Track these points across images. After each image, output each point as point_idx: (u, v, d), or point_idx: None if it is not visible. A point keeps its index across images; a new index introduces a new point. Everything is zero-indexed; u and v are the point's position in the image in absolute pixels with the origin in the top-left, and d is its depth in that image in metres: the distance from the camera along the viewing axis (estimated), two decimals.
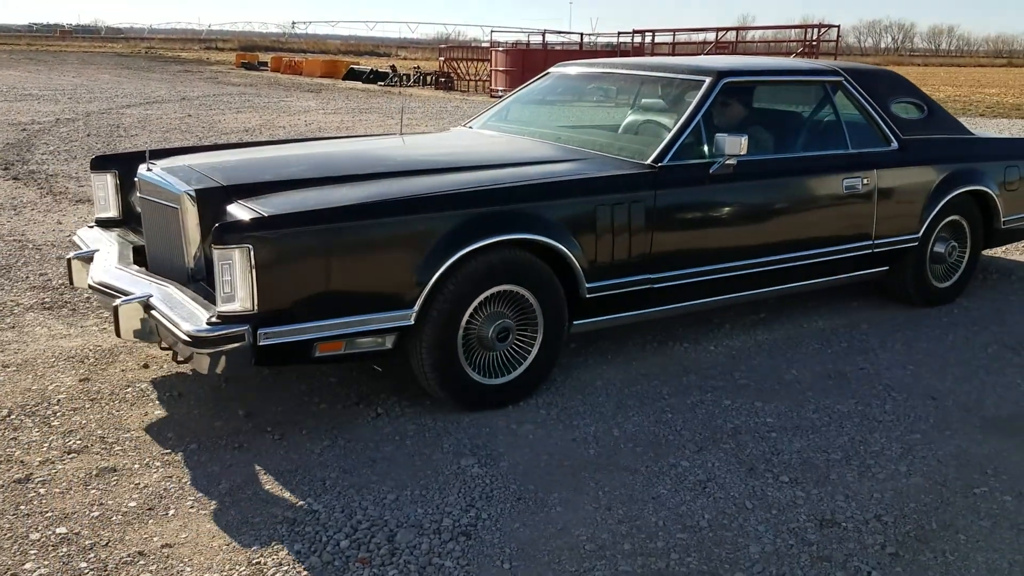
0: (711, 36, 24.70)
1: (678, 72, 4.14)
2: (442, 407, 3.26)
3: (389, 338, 2.96)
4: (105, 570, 2.23)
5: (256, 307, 2.71)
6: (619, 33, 27.77)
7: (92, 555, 2.29)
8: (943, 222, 4.56)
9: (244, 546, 2.36)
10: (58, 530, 2.40)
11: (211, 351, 2.69)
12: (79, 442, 2.91)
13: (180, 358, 3.03)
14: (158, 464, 2.80)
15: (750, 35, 26.95)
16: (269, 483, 2.70)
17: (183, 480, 2.70)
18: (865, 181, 4.17)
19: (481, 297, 3.11)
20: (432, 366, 3.07)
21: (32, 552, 2.29)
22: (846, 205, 4.13)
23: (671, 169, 3.59)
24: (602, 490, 2.74)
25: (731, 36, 24.51)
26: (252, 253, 2.67)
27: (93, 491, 2.62)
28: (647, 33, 25.70)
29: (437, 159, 3.75)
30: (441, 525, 2.50)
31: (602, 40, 40.69)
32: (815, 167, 4.07)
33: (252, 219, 2.75)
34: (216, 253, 2.69)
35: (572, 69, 4.79)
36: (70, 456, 2.82)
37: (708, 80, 3.90)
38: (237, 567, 2.27)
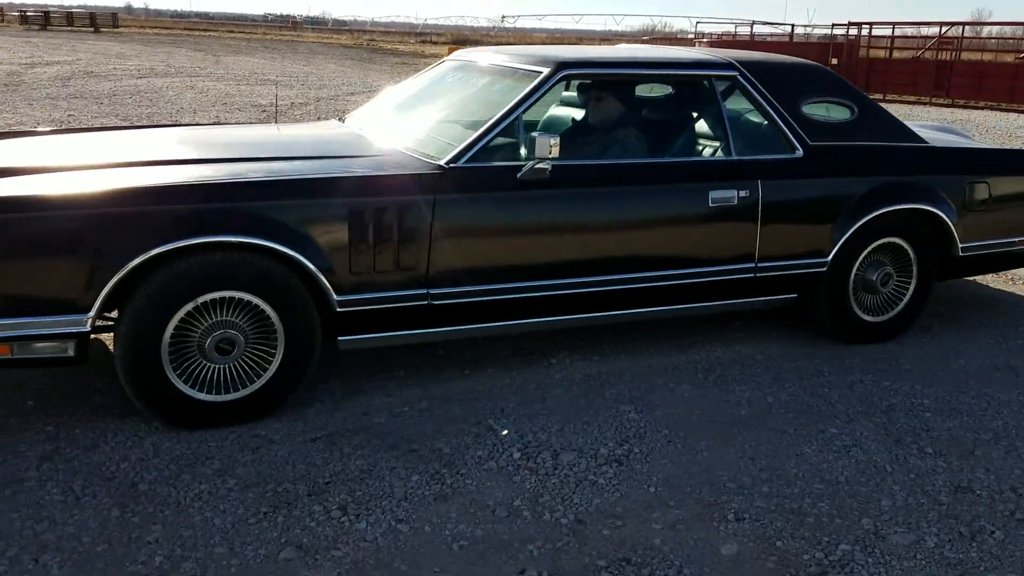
0: (936, 31, 23.15)
1: (519, 61, 3.64)
2: (610, 360, 3.63)
3: (70, 345, 2.70)
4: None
5: None
6: (833, 25, 26.63)
7: None
8: (872, 245, 3.83)
9: (440, 453, 2.86)
10: None
11: None
12: None
13: None
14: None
15: (985, 31, 24.92)
16: (458, 404, 3.19)
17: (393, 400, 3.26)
18: (743, 194, 3.53)
19: (192, 304, 2.78)
20: (131, 380, 2.79)
21: None
22: (714, 221, 3.52)
23: (463, 171, 3.15)
24: (748, 444, 3.00)
25: (958, 31, 22.85)
26: None
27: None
28: (863, 26, 24.48)
29: (210, 150, 3.42)
30: (598, 453, 2.88)
31: (817, 31, 38.99)
32: (666, 176, 3.51)
33: None
34: None
35: (462, 56, 4.25)
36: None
37: (544, 72, 3.41)
38: (440, 458, 2.77)
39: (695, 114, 3.95)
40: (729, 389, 3.45)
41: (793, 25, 32.38)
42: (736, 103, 3.86)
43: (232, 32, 54.46)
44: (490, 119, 3.29)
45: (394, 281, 3.06)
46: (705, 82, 3.75)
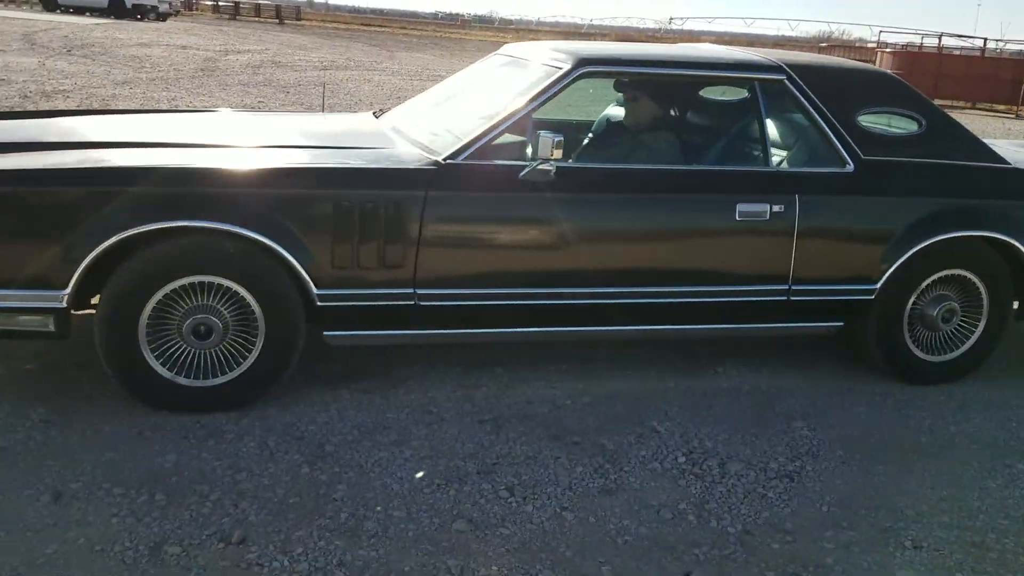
0: None
1: (545, 57, 3.42)
2: (780, 375, 3.54)
3: (50, 320, 2.72)
4: None
5: None
6: None
7: None
8: (934, 276, 3.41)
9: (603, 448, 2.89)
10: None
11: None
12: None
13: None
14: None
15: None
16: (620, 403, 3.21)
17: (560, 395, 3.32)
18: (777, 208, 3.21)
19: (169, 287, 2.75)
20: (109, 357, 2.79)
21: None
22: (741, 236, 3.23)
23: (459, 168, 3.00)
24: (928, 472, 2.85)
25: None
26: None
27: None
28: None
29: (217, 136, 3.39)
30: (767, 466, 2.82)
31: (1011, 47, 36.15)
32: (684, 185, 3.27)
33: None
34: None
35: (506, 50, 3.96)
36: None
37: (563, 68, 3.20)
38: (603, 453, 2.80)
39: (733, 119, 3.67)
40: (908, 415, 3.29)
41: (985, 39, 30.19)
42: (782, 109, 3.59)
43: (404, 28, 56.50)
44: (497, 115, 3.13)
45: (379, 279, 2.93)
46: (747, 85, 3.46)
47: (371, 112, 4.13)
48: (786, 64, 3.44)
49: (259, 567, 2.15)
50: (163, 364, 2.82)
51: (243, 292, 2.82)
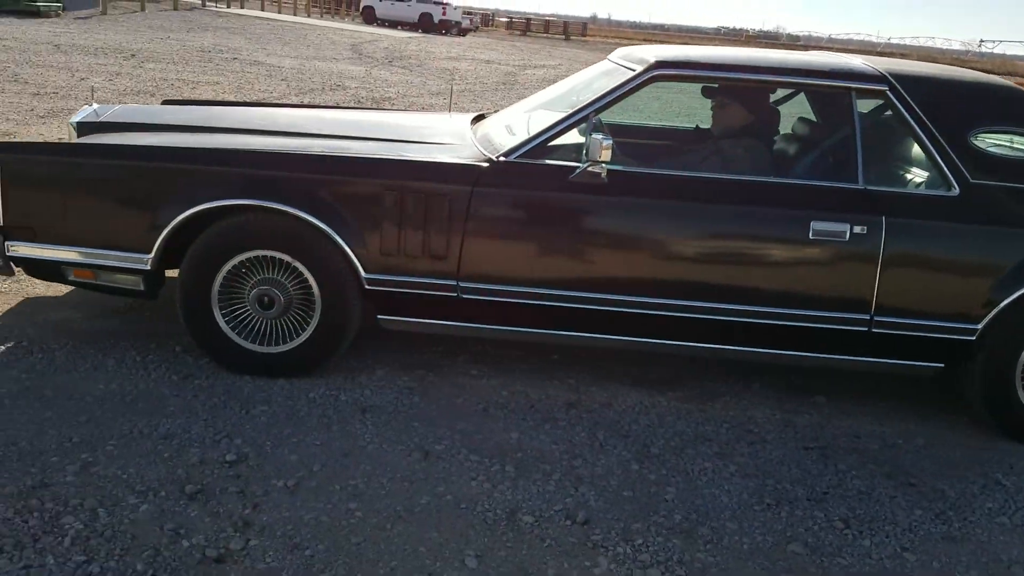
0: None
1: (627, 58, 3.34)
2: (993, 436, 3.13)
3: (140, 280, 3.05)
4: None
5: (2, 220, 3.03)
6: None
7: None
8: None
9: (943, 493, 2.74)
10: None
11: None
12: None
13: None
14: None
15: None
16: (958, 449, 3.01)
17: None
18: (859, 229, 2.93)
19: (241, 257, 3.00)
20: (186, 315, 3.07)
21: None
22: (813, 256, 2.97)
23: (509, 167, 3.00)
24: None
25: None
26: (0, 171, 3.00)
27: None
28: None
29: (319, 126, 3.57)
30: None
31: None
32: (747, 196, 3.01)
33: (5, 141, 3.09)
34: None
35: (616, 54, 3.67)
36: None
37: (636, 70, 3.11)
38: (944, 499, 2.66)
39: (825, 131, 3.43)
40: None
41: None
42: (881, 123, 3.32)
43: (687, 44, 56.04)
44: (559, 115, 3.10)
45: (423, 268, 3.01)
46: (844, 95, 3.14)
47: (476, 113, 4.17)
48: (891, 74, 3.14)
49: (604, 549, 2.30)
50: (231, 327, 3.09)
51: (303, 269, 3.02)
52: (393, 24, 34.82)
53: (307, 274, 3.02)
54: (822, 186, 3.07)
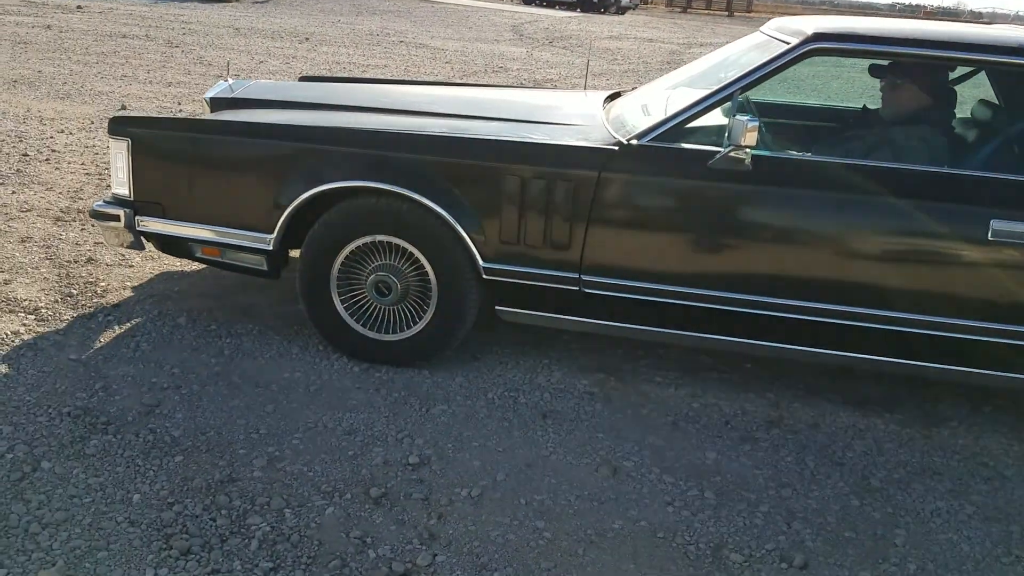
0: None
1: (781, 30, 2.94)
2: None
3: (263, 260, 3.00)
4: None
5: (132, 195, 3.03)
6: None
7: None
8: None
9: None
10: None
11: (99, 224, 3.13)
12: None
13: None
14: None
15: None
16: None
17: None
18: None
19: (359, 242, 2.90)
20: (305, 298, 3.02)
21: None
22: (991, 259, 2.57)
23: (641, 151, 2.73)
24: None
25: None
26: (130, 145, 2.97)
27: None
28: None
29: (448, 106, 3.40)
30: None
31: None
32: (914, 189, 2.61)
33: (136, 116, 3.03)
34: (109, 141, 3.05)
35: (769, 25, 3.23)
36: None
37: (790, 43, 2.73)
38: None
39: (1009, 117, 3.04)
40: None
41: None
42: None
43: (844, 12, 52.80)
44: (700, 94, 2.76)
45: (544, 258, 2.80)
46: None
47: (608, 92, 3.82)
48: None
49: None
50: (349, 312, 3.00)
51: (420, 256, 2.88)
52: (551, 4, 34.59)
53: (423, 261, 2.89)
54: (1004, 179, 2.66)
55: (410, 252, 2.90)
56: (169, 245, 3.18)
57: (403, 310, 3.00)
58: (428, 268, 2.90)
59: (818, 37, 2.73)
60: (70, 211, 4.41)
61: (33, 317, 3.20)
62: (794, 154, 2.82)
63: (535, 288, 2.85)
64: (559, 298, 2.86)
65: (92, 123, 6.51)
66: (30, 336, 3.05)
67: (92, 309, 3.32)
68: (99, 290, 3.50)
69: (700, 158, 2.69)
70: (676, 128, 2.75)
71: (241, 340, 3.17)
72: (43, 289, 3.46)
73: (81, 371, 2.85)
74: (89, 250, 3.91)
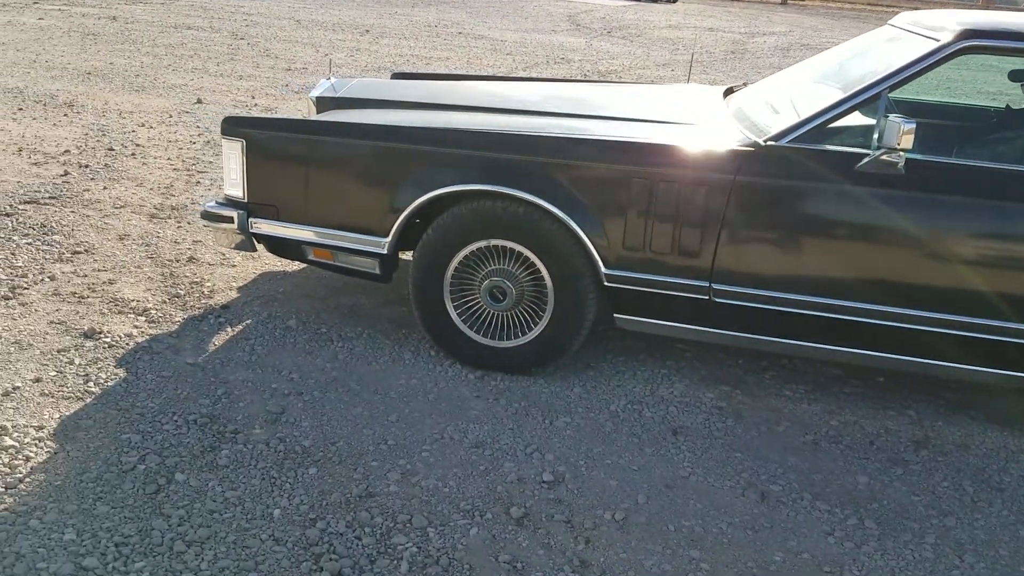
0: None
1: (923, 27, 2.77)
2: None
3: (376, 263, 2.94)
4: None
5: (246, 196, 3.00)
6: None
7: None
8: None
9: None
10: None
11: (211, 226, 3.10)
12: None
13: None
14: None
15: None
16: None
17: None
18: None
19: (473, 246, 2.82)
20: (417, 303, 2.96)
21: None
22: None
23: (781, 152, 2.58)
24: None
25: None
26: (244, 146, 2.95)
27: None
28: None
29: (557, 104, 3.30)
30: None
31: None
32: None
33: (251, 116, 3.00)
34: (223, 141, 3.00)
35: (899, 18, 3.09)
36: None
37: (939, 41, 2.56)
38: None
39: None
40: None
41: None
42: None
43: (918, 8, 51.61)
44: (842, 93, 2.61)
45: (672, 265, 2.67)
46: None
47: (724, 87, 3.68)
48: None
49: None
50: (462, 318, 2.93)
51: (536, 261, 2.78)
52: None
53: (540, 266, 2.79)
54: None
55: (526, 257, 2.80)
56: (281, 247, 3.12)
57: (517, 316, 2.91)
58: (545, 273, 2.80)
59: (971, 34, 2.55)
60: (163, 208, 4.39)
61: (144, 319, 3.17)
62: (951, 158, 2.63)
63: (659, 296, 2.73)
64: (686, 307, 2.73)
65: (170, 116, 6.52)
66: (144, 339, 3.02)
67: (201, 310, 3.28)
68: (206, 291, 3.45)
69: (847, 161, 2.54)
70: (818, 129, 2.59)
71: (353, 344, 3.10)
72: (149, 289, 3.43)
73: (200, 376, 2.80)
74: (189, 248, 3.88)
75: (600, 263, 2.71)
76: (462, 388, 2.85)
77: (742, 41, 16.82)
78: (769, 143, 2.61)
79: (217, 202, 3.12)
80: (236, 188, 3.05)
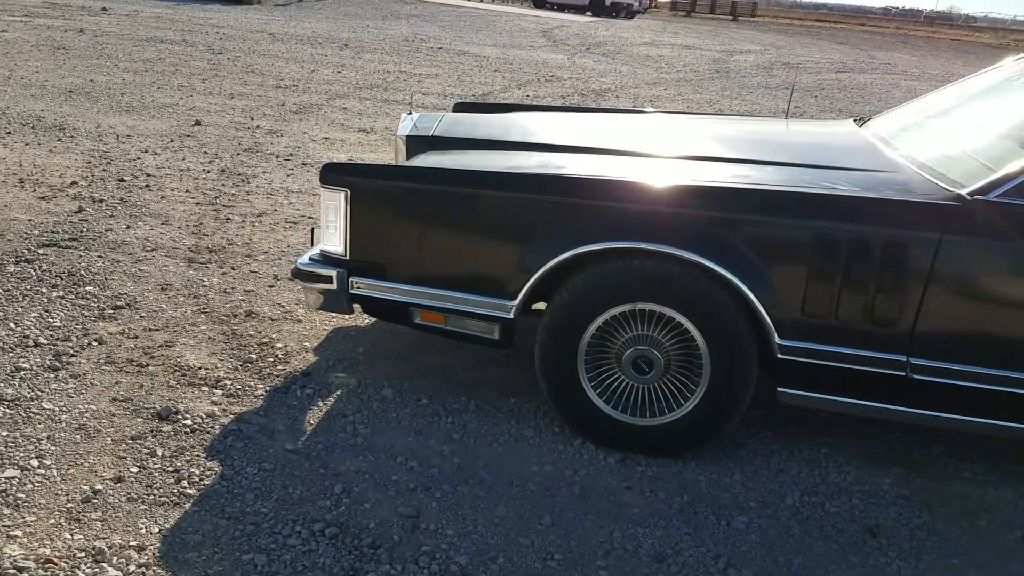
0: None
1: None
2: None
3: (495, 328, 2.57)
4: None
5: (348, 253, 2.63)
6: None
7: None
8: None
9: None
10: None
11: (305, 286, 2.72)
12: None
13: None
14: None
15: None
16: None
17: None
18: None
19: (616, 310, 2.46)
20: (545, 374, 2.58)
21: None
22: None
23: (992, 208, 2.24)
24: None
25: None
26: (348, 197, 2.58)
27: None
28: None
29: (680, 143, 3.04)
30: None
31: None
32: None
33: (356, 163, 2.67)
34: (321, 191, 2.64)
35: None
36: None
37: None
38: None
39: None
40: None
41: None
42: None
43: (863, 25, 52.91)
44: None
45: (861, 336, 2.33)
46: None
47: (851, 120, 3.42)
48: None
49: None
50: (597, 391, 2.57)
51: (691, 327, 2.44)
52: (561, 7, 34.16)
53: (696, 333, 2.44)
54: None
55: (676, 322, 2.45)
56: (383, 309, 2.73)
57: (660, 389, 2.55)
58: (701, 341, 2.45)
59: None
60: (200, 250, 3.93)
61: (220, 392, 2.74)
62: None
63: (841, 370, 2.38)
64: (874, 383, 2.38)
65: (172, 141, 6.03)
66: (228, 419, 2.59)
67: (282, 379, 2.86)
68: (280, 354, 3.03)
69: None
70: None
71: (464, 419, 2.72)
72: (214, 352, 2.99)
73: (307, 467, 2.39)
74: (243, 299, 3.45)
75: (774, 332, 2.37)
76: (607, 476, 2.48)
77: (722, 59, 16.80)
78: (976, 198, 2.29)
79: (311, 259, 2.71)
80: (335, 243, 2.65)
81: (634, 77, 12.86)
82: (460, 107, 3.89)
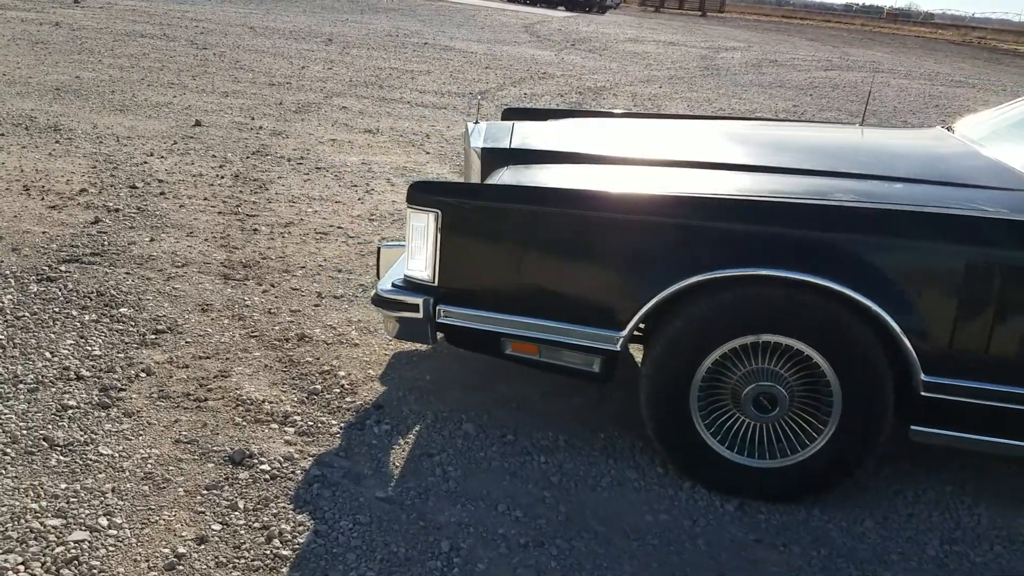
0: None
1: None
2: None
3: (596, 360, 2.36)
4: None
5: (436, 279, 2.41)
6: None
7: None
8: None
9: None
10: None
11: (384, 313, 2.50)
12: None
13: None
14: None
15: None
16: None
17: None
18: None
19: (735, 343, 2.25)
20: (652, 413, 2.36)
21: None
22: None
23: None
24: None
25: None
26: (439, 219, 2.35)
27: None
28: None
29: (787, 156, 2.86)
30: None
31: None
32: None
33: (448, 183, 2.43)
34: (408, 212, 2.42)
35: None
36: None
37: None
38: None
39: None
40: None
41: None
42: None
43: (828, 22, 53.47)
44: None
45: (1017, 371, 2.15)
46: None
47: (941, 127, 3.27)
48: None
49: None
50: (710, 430, 2.36)
51: (821, 361, 2.24)
52: (535, 2, 33.93)
53: (827, 367, 2.24)
54: None
55: (801, 355, 2.25)
56: (472, 339, 2.50)
57: (780, 428, 2.35)
58: (832, 376, 2.24)
59: None
60: (233, 265, 3.66)
61: (292, 430, 2.49)
62: None
63: (992, 409, 2.20)
64: None
65: (175, 143, 5.72)
66: (307, 462, 2.34)
67: (353, 414, 2.62)
68: (344, 383, 2.79)
69: None
70: None
71: (558, 459, 2.50)
72: (274, 383, 2.74)
73: (404, 519, 2.16)
74: (291, 320, 3.20)
75: (919, 368, 2.18)
76: (730, 527, 2.28)
77: (710, 56, 16.71)
78: None
79: (395, 285, 2.47)
80: (422, 268, 2.42)
81: (625, 74, 12.70)
82: (509, 113, 3.64)
